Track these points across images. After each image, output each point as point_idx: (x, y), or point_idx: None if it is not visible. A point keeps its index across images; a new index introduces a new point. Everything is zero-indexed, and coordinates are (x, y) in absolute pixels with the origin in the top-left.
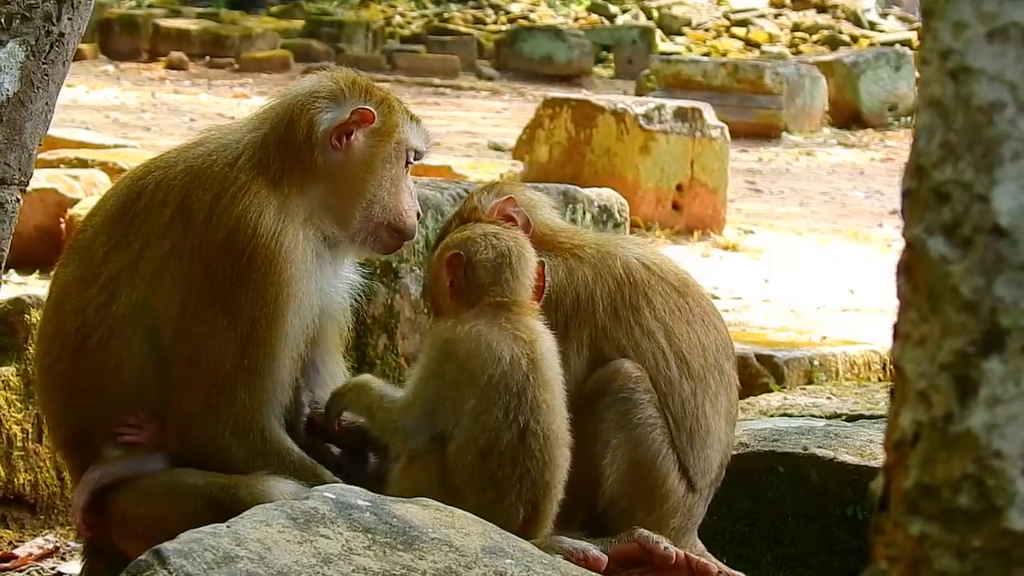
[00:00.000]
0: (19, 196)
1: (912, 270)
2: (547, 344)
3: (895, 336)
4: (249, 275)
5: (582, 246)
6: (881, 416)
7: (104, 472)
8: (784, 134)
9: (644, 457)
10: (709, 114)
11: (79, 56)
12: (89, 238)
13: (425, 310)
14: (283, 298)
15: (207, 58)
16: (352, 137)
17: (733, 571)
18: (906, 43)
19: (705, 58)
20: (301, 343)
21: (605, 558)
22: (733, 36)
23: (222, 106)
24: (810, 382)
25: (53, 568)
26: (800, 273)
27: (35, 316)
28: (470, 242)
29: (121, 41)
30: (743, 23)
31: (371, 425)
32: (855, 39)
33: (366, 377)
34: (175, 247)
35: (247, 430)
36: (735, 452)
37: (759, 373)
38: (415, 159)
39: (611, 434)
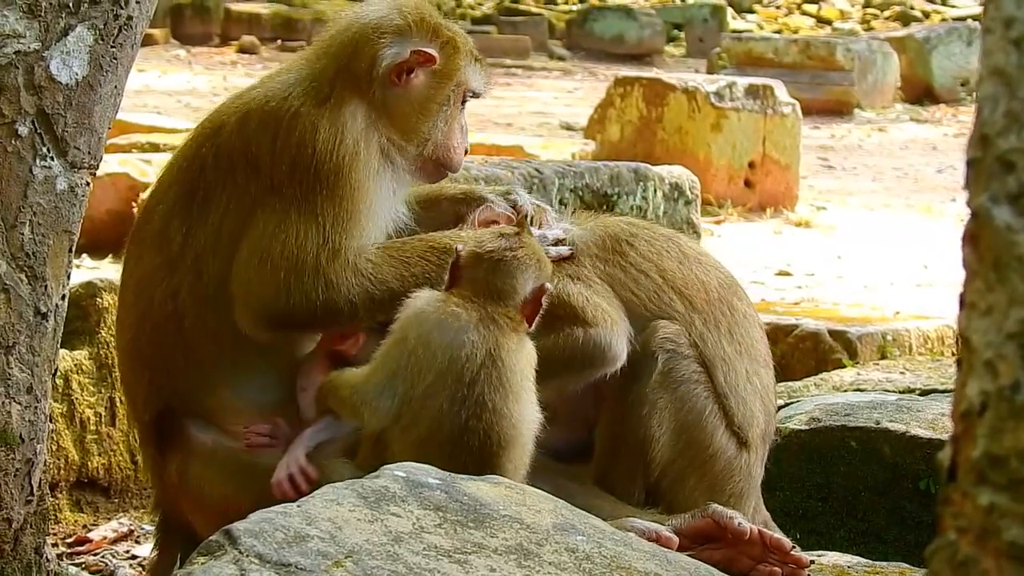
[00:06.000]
0: (89, 180)
1: (977, 239)
2: (518, 351)
3: (961, 306)
4: (318, 184)
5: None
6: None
7: (312, 436)
8: (856, 110)
9: (690, 416)
10: (781, 91)
11: (151, 41)
12: (159, 227)
13: None
14: (357, 196)
15: (279, 42)
16: (413, 75)
17: (802, 553)
18: (978, 18)
19: (776, 35)
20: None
21: (676, 540)
22: (804, 13)
23: None
24: (883, 357)
25: (127, 551)
26: (873, 249)
27: (107, 300)
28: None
29: (192, 25)
30: (814, 0)
31: (339, 405)
32: (927, 15)
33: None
34: (255, 199)
35: (354, 256)
36: (806, 427)
37: (832, 349)
38: (471, 98)
39: (657, 394)
